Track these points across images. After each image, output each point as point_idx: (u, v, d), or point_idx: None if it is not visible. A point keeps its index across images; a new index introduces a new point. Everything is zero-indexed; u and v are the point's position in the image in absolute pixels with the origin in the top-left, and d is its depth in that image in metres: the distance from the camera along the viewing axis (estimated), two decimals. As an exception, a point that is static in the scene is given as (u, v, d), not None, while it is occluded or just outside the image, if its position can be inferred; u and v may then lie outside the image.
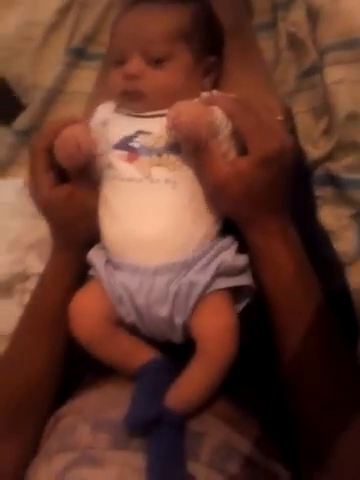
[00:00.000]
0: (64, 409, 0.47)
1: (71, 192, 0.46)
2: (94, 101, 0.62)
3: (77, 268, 0.49)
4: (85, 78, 0.76)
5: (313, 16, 0.71)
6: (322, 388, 0.43)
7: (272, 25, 0.74)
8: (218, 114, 0.43)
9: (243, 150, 0.45)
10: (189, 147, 0.42)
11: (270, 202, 0.43)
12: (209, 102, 0.45)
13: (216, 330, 0.42)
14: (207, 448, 0.41)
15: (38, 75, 0.76)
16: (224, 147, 0.43)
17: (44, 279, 0.51)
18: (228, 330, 0.42)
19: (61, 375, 0.51)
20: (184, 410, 0.41)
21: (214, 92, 0.49)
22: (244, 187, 0.42)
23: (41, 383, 0.50)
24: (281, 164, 0.42)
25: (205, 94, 0.47)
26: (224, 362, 0.42)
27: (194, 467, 0.40)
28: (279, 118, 0.46)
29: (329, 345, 0.44)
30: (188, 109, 0.41)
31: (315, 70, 0.68)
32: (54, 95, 0.76)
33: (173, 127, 0.41)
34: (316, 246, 0.59)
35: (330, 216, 0.65)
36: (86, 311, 0.45)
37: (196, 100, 0.46)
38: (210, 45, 0.49)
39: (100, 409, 0.45)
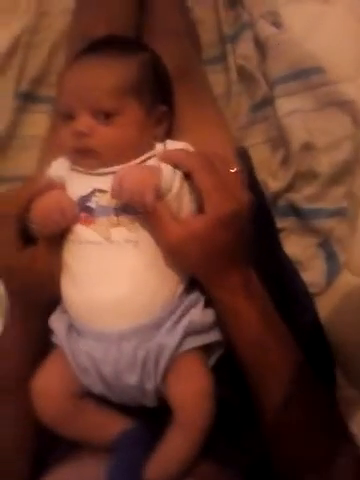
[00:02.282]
0: None
1: (37, 257, 0.44)
2: (48, 151, 0.60)
3: (38, 337, 0.46)
4: (37, 122, 0.74)
5: (261, 48, 0.72)
6: (301, 433, 0.43)
7: (222, 58, 0.75)
8: (166, 172, 0.42)
9: (198, 202, 0.44)
10: (138, 212, 0.41)
11: (228, 259, 0.42)
12: (167, 158, 0.44)
13: (191, 396, 0.40)
14: None
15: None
16: (174, 205, 0.42)
17: (3, 350, 0.48)
18: (203, 394, 0.41)
19: (33, 445, 0.48)
20: (164, 482, 0.39)
21: (168, 142, 0.48)
22: (199, 248, 0.41)
23: (11, 455, 0.47)
24: (238, 224, 0.42)
25: (160, 147, 0.46)
26: (202, 428, 0.40)
27: None
28: (234, 170, 0.45)
29: (305, 393, 0.44)
30: (131, 175, 0.40)
31: (267, 102, 0.69)
32: (6, 141, 0.74)
33: (116, 196, 0.40)
34: (284, 280, 0.59)
35: (296, 246, 0.65)
36: (47, 390, 0.42)
37: (153, 157, 0.45)
38: (160, 94, 0.48)
39: None
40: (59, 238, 0.44)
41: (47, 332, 0.46)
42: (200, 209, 0.43)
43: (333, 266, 0.63)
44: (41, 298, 0.46)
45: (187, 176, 0.44)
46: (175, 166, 0.43)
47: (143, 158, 0.46)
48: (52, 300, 0.45)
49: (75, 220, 0.43)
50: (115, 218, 0.43)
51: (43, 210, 0.42)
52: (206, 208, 0.41)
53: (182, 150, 0.45)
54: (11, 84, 0.75)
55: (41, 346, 0.46)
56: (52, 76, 0.76)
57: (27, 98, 0.75)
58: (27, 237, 0.45)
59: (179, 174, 0.43)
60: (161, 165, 0.43)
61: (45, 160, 0.52)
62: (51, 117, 0.68)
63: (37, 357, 0.45)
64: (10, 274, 0.45)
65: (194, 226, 0.41)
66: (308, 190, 0.65)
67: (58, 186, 0.44)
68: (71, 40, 0.66)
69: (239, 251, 0.43)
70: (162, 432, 0.42)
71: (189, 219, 0.42)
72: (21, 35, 0.76)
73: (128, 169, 0.42)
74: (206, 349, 0.44)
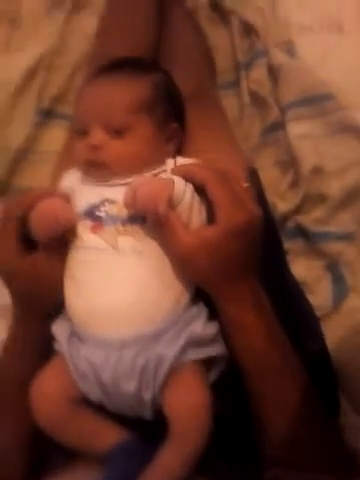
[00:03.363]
0: None
1: (37, 263, 0.45)
2: (62, 166, 0.62)
3: (40, 339, 0.47)
4: (55, 137, 0.77)
5: (274, 74, 0.74)
6: (302, 457, 0.42)
7: (236, 83, 0.77)
8: (178, 184, 0.43)
9: (208, 215, 0.45)
10: (149, 222, 0.42)
11: (239, 271, 0.43)
12: (179, 172, 0.45)
13: (188, 409, 0.40)
14: None
15: (7, 137, 0.77)
16: (185, 216, 0.43)
17: (5, 351, 0.48)
18: (201, 408, 0.40)
19: (30, 453, 0.48)
20: (158, 498, 0.39)
21: (178, 159, 0.49)
22: (211, 257, 0.41)
23: (7, 461, 0.47)
24: (249, 235, 0.42)
25: (170, 162, 0.48)
26: (198, 443, 0.40)
27: None
28: (245, 185, 0.46)
29: (309, 414, 0.43)
30: (144, 186, 0.41)
31: (278, 126, 0.71)
32: (24, 155, 0.77)
33: (130, 205, 0.41)
34: (291, 302, 0.59)
35: (303, 268, 0.66)
36: (45, 393, 0.43)
37: (163, 172, 0.46)
38: (172, 112, 0.50)
39: None
40: (61, 246, 0.45)
41: (50, 339, 0.46)
42: (210, 222, 0.44)
43: (340, 289, 0.63)
44: (41, 303, 0.46)
45: (197, 191, 0.45)
46: (186, 180, 0.44)
47: (154, 173, 0.47)
48: (53, 306, 0.46)
49: (69, 226, 0.43)
50: (122, 227, 0.44)
51: (39, 215, 0.43)
52: (218, 219, 0.42)
53: (195, 164, 0.46)
54: (32, 100, 0.78)
55: (42, 351, 0.46)
56: (72, 95, 0.79)
57: (47, 115, 0.78)
58: (31, 243, 0.46)
59: (190, 187, 0.44)
60: (173, 177, 0.44)
61: (58, 173, 0.54)
62: (68, 133, 0.71)
63: (38, 362, 0.45)
64: (11, 277, 0.46)
65: (206, 235, 0.41)
66: (316, 213, 0.65)
67: (58, 193, 0.46)
68: (91, 61, 0.69)
69: (250, 263, 0.43)
70: (159, 446, 0.41)
71: (201, 228, 0.43)
72: (45, 56, 0.80)
73: (142, 179, 0.43)
74: (207, 363, 0.43)
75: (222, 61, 0.77)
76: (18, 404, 0.46)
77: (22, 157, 0.77)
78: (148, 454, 0.41)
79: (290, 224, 0.67)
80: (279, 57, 0.73)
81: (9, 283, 0.47)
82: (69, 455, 0.45)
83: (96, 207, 0.45)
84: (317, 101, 0.69)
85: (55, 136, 0.77)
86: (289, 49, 0.75)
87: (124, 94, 0.47)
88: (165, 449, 0.40)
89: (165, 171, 0.47)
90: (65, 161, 0.63)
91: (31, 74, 0.79)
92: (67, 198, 0.46)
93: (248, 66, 0.76)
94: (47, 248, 0.45)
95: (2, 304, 0.61)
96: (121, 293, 0.42)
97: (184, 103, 0.54)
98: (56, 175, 0.61)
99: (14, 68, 0.79)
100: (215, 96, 0.66)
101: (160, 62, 0.65)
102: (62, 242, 0.45)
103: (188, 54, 0.66)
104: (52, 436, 0.43)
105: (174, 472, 0.40)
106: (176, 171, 0.45)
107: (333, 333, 0.61)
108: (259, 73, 0.74)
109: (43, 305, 0.46)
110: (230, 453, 0.45)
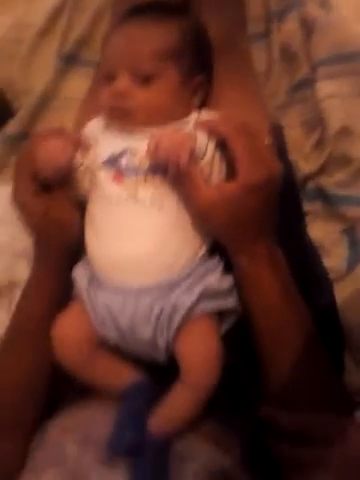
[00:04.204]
0: (52, 424, 0.48)
1: (50, 203, 0.46)
2: (85, 113, 0.62)
3: (58, 279, 0.48)
4: (78, 84, 0.75)
5: (307, 28, 0.70)
6: (304, 400, 0.44)
7: (266, 35, 0.73)
8: (200, 139, 0.43)
9: (228, 171, 0.45)
10: (171, 174, 0.42)
11: (257, 227, 0.43)
12: (202, 126, 0.44)
13: (199, 356, 0.42)
14: (190, 472, 0.41)
15: (29, 80, 0.75)
16: (206, 171, 0.43)
17: (26, 290, 0.51)
18: (211, 356, 0.42)
19: (48, 387, 0.51)
20: (167, 435, 0.41)
21: (202, 112, 0.49)
22: (230, 212, 0.42)
23: (26, 394, 0.50)
24: (269, 191, 0.43)
25: (194, 115, 0.47)
26: (207, 388, 0.42)
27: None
28: (267, 142, 0.45)
29: (315, 368, 0.45)
30: (168, 137, 0.41)
31: (307, 83, 0.67)
32: (46, 100, 0.75)
33: (152, 155, 0.42)
34: (306, 262, 0.59)
35: (320, 231, 0.65)
36: (67, 334, 0.45)
37: (190, 122, 0.46)
38: (199, 63, 0.49)
39: (88, 426, 0.45)
40: (74, 188, 0.46)
41: (70, 283, 0.48)
42: (230, 178, 0.44)
43: (355, 254, 0.63)
44: (55, 245, 0.48)
45: (219, 145, 0.44)
46: (209, 135, 0.44)
47: (178, 124, 0.47)
48: (69, 247, 0.47)
49: (66, 167, 0.44)
50: (143, 178, 0.44)
51: (40, 155, 0.44)
52: (239, 174, 0.42)
53: (218, 118, 0.46)
54: (55, 45, 0.75)
55: (62, 293, 0.48)
56: (95, 40, 0.76)
57: (69, 60, 0.76)
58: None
59: (212, 143, 0.44)
60: (196, 132, 0.44)
61: (82, 120, 0.53)
62: (92, 80, 0.69)
63: (57, 303, 0.47)
64: (27, 216, 0.48)
65: (226, 190, 0.42)
66: (340, 175, 0.64)
67: (62, 133, 0.46)
68: (116, 4, 0.67)
69: (267, 219, 0.44)
70: (169, 389, 0.44)
71: (221, 183, 0.44)
72: (68, -2, 0.77)
73: (166, 131, 0.43)
74: (219, 315, 0.45)
75: (254, 9, 0.73)
76: (38, 342, 0.48)
77: (45, 103, 0.76)
78: (159, 395, 0.43)
79: (310, 185, 0.66)
80: (314, 10, 0.69)
81: (27, 222, 0.49)
82: (83, 391, 0.47)
83: (118, 156, 0.45)
84: (350, 59, 0.66)
85: (78, 83, 0.74)
86: (324, 2, 0.71)
87: (153, 40, 0.46)
88: (175, 392, 0.43)
89: (188, 123, 0.47)
90: (89, 108, 0.63)
91: (56, 15, 0.76)
92: (75, 140, 0.46)
93: (280, 17, 0.72)
94: (59, 190, 0.45)
95: (25, 245, 0.63)
96: (140, 243, 0.43)
97: (213, 54, 0.52)
98: (79, 122, 0.61)
99: (39, 9, 0.77)
100: (245, 48, 0.64)
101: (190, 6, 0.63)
102: (80, 186, 0.46)
103: (219, 1, 0.63)
104: (73, 375, 0.45)
105: (181, 413, 0.42)
106: (199, 125, 0.45)
107: (344, 296, 0.62)
108: (291, 25, 0.70)
109: (58, 245, 0.48)
110: (239, 403, 0.47)
